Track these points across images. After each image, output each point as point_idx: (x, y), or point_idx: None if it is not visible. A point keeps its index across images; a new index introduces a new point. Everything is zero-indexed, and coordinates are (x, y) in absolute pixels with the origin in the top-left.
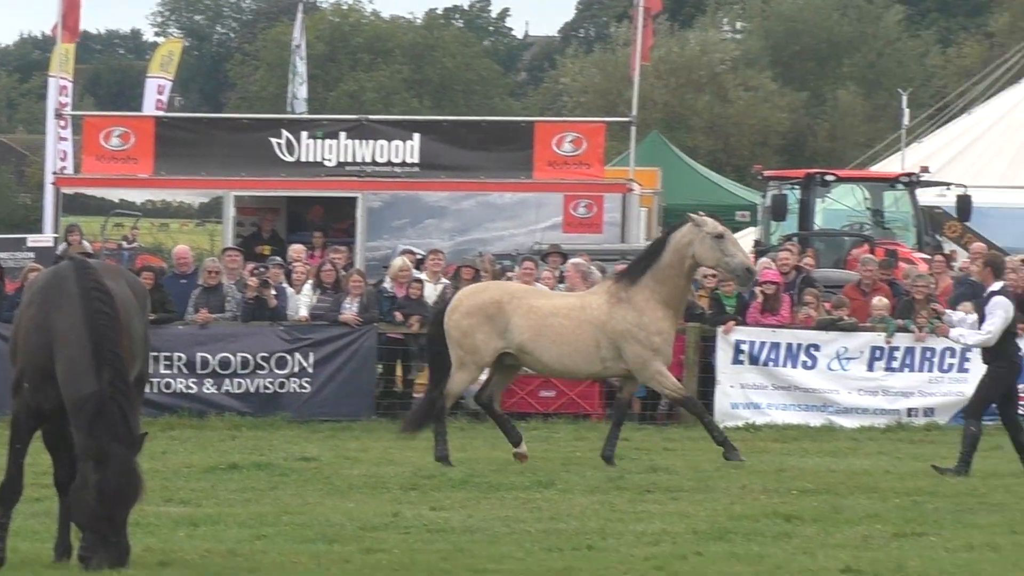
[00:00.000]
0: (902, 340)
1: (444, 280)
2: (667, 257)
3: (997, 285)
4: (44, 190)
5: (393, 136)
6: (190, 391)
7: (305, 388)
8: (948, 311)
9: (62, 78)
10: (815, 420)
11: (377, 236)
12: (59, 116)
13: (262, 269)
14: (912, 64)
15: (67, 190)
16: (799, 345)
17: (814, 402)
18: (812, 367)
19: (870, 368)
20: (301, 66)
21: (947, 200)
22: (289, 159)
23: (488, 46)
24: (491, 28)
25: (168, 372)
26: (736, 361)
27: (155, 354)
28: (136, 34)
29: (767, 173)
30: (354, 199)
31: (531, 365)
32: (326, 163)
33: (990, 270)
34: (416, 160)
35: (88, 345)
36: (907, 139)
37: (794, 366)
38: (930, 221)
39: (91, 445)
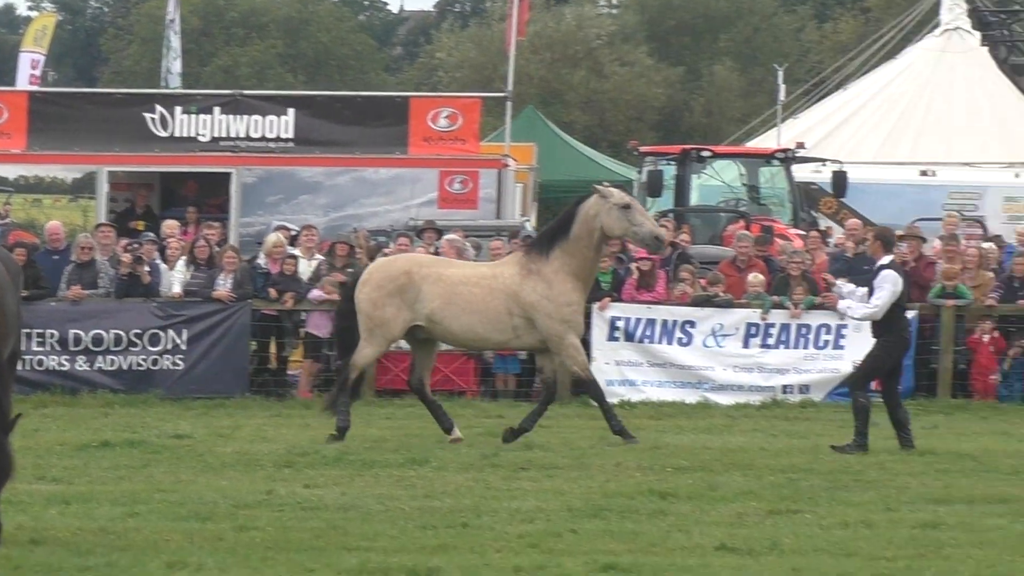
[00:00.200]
0: (777, 317)
1: (318, 256)
2: (576, 229)
3: (886, 259)
4: None
5: (268, 111)
6: (63, 368)
7: (178, 365)
8: (839, 282)
9: None
10: (691, 397)
11: (251, 212)
12: None
13: (135, 245)
14: (788, 40)
15: None
16: (675, 322)
17: (690, 379)
18: (688, 344)
19: (745, 345)
20: (175, 40)
21: (823, 176)
22: (163, 134)
23: (363, 20)
24: (366, 3)
25: (41, 349)
26: (611, 338)
27: (27, 331)
28: (9, 8)
29: (643, 149)
30: (228, 175)
31: (441, 336)
32: (200, 138)
33: (880, 244)
34: (291, 135)
35: None
36: (783, 115)
37: (669, 343)
38: (806, 197)
39: None
